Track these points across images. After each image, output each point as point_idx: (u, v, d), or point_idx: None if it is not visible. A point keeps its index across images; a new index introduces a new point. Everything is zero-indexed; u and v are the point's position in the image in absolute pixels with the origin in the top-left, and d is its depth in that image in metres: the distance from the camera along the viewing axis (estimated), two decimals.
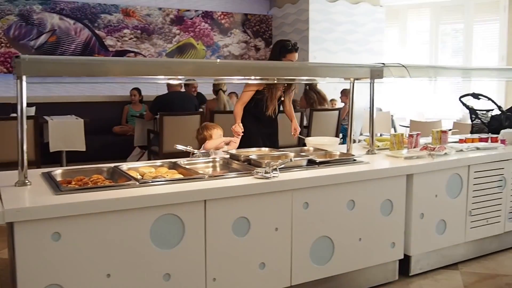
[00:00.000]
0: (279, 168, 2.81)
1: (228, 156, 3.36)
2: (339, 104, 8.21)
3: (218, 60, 3.31)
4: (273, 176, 2.75)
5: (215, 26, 9.63)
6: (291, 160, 2.80)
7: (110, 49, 8.51)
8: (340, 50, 9.37)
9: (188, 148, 3.37)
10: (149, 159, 6.47)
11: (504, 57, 9.27)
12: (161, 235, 2.41)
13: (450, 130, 7.22)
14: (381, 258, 3.23)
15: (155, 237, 2.40)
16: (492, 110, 5.39)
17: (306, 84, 7.82)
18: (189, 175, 2.81)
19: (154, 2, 9.02)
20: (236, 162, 3.20)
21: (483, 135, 4.40)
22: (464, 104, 5.35)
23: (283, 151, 3.49)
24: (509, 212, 3.95)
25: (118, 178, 2.75)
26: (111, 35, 8.51)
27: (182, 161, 3.22)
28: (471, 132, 5.37)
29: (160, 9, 9.00)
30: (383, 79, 3.52)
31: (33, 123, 5.36)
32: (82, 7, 8.29)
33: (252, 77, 3.50)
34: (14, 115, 5.49)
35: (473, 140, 4.19)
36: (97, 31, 8.42)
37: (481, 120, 5.41)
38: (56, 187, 2.44)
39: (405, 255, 3.38)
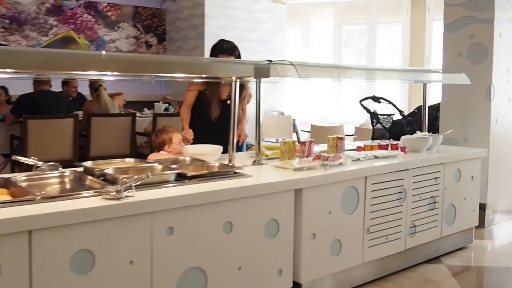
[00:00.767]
0: (135, 186, 2.38)
1: (82, 169, 2.90)
2: None
3: (104, 52, 2.83)
4: (126, 196, 2.33)
5: (100, 19, 9.05)
6: (148, 176, 2.37)
7: None
8: (239, 48, 9.16)
9: (30, 160, 2.85)
10: (12, 171, 5.80)
11: (407, 59, 9.42)
12: None
13: (351, 135, 7.20)
14: None
15: None
16: (393, 114, 5.34)
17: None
18: (19, 196, 2.30)
19: None
20: (90, 177, 2.77)
21: (383, 142, 4.26)
22: (365, 108, 5.26)
23: (150, 163, 3.09)
24: (410, 227, 3.83)
25: None
26: None
27: (19, 176, 2.70)
28: (373, 138, 5.30)
29: None
30: (269, 79, 3.23)
31: None
32: None
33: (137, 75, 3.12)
34: None
35: (372, 148, 4.05)
36: None
37: (382, 125, 5.35)
38: None
39: (294, 282, 3.10)
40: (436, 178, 4.01)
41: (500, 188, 5.22)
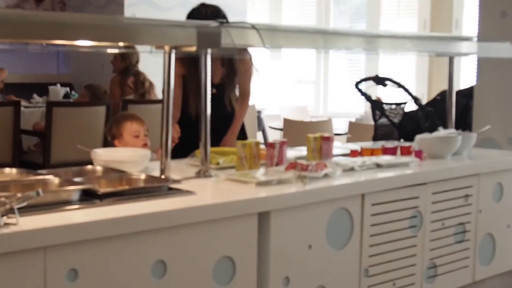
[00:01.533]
0: (18, 209, 2.40)
1: None
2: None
3: None
4: (6, 224, 2.37)
5: None
6: (37, 194, 2.40)
7: None
8: (176, 5, 9.25)
9: None
10: None
11: (426, 22, 9.60)
12: None
13: (342, 134, 7.32)
14: None
15: None
16: (405, 103, 5.41)
17: (125, 59, 7.61)
18: None
19: None
20: None
21: (390, 144, 4.34)
22: (363, 94, 5.33)
23: (41, 175, 3.15)
24: (428, 267, 3.90)
25: None
26: None
27: None
28: (374, 138, 5.37)
29: None
30: (220, 49, 3.34)
31: None
32: None
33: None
34: None
35: (373, 152, 4.13)
36: None
37: (389, 119, 5.42)
38: None
39: None
40: (466, 196, 4.10)
41: None
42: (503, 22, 5.25)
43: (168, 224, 2.75)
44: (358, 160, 3.85)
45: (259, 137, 9.13)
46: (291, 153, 4.08)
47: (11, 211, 2.39)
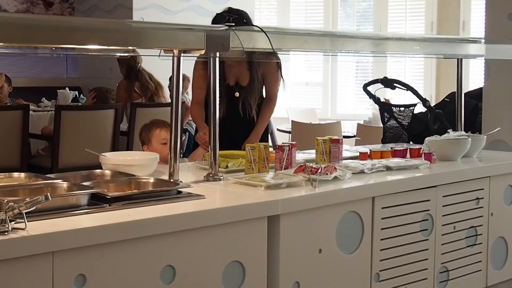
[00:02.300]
0: (27, 213, 2.39)
1: None
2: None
3: None
4: (14, 229, 2.35)
5: None
6: (46, 198, 2.38)
7: None
8: (185, 8, 9.33)
9: None
10: None
11: (433, 25, 9.59)
12: None
13: (351, 137, 7.31)
14: None
15: None
16: (414, 105, 5.40)
17: (125, 63, 7.64)
18: None
19: None
20: None
21: (399, 146, 4.32)
22: (371, 96, 5.34)
23: (50, 179, 3.14)
24: (440, 272, 3.89)
25: None
26: None
27: None
28: (384, 140, 5.37)
29: None
30: (229, 52, 3.36)
31: None
32: None
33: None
34: None
35: (382, 155, 4.13)
36: None
37: (397, 121, 5.41)
38: None
39: None
40: (477, 199, 4.08)
41: None
42: (511, 24, 5.24)
43: (177, 229, 2.74)
44: (368, 163, 3.84)
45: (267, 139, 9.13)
46: (300, 156, 4.08)
47: (19, 215, 2.39)
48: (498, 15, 5.32)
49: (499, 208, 4.24)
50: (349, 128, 8.30)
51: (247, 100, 4.72)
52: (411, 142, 4.87)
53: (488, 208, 4.16)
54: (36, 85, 9.54)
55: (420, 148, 4.21)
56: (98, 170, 3.49)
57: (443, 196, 3.87)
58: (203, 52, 3.27)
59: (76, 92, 8.90)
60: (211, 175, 3.47)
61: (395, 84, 5.12)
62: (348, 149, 4.49)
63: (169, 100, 7.83)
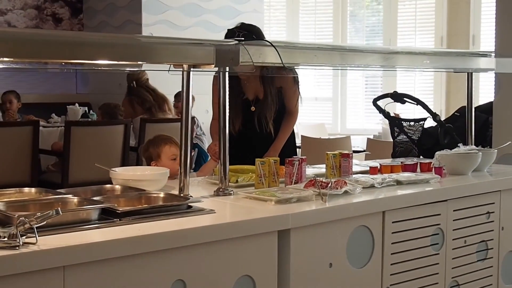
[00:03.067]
0: (38, 228, 2.41)
1: None
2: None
3: None
4: (25, 244, 2.36)
5: None
6: (56, 213, 2.39)
7: None
8: (194, 24, 9.38)
9: None
10: None
11: (443, 39, 9.60)
12: None
13: (361, 152, 7.32)
14: None
15: None
16: (424, 120, 5.41)
17: (130, 79, 7.71)
18: None
19: None
20: None
21: (410, 161, 4.32)
22: (381, 111, 5.35)
23: (61, 194, 3.15)
24: (451, 286, 3.89)
25: None
26: None
27: None
28: (393, 154, 5.38)
29: None
30: (239, 67, 3.39)
31: None
32: None
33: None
34: None
35: (392, 169, 4.12)
36: None
37: (407, 136, 5.42)
38: None
39: None
40: (488, 213, 4.07)
41: None
42: None
43: (188, 243, 2.74)
44: (378, 177, 3.83)
45: None
46: (310, 170, 4.09)
47: (30, 230, 2.40)
48: (509, 29, 5.32)
49: (510, 222, 4.23)
50: (359, 143, 8.31)
51: (263, 114, 4.73)
52: (421, 157, 4.87)
53: (499, 222, 4.15)
54: (46, 101, 9.60)
55: (431, 162, 4.21)
56: (108, 185, 3.50)
57: (454, 210, 3.86)
58: (212, 66, 3.30)
59: (86, 108, 8.95)
60: (221, 189, 3.47)
61: (405, 99, 5.12)
62: (358, 163, 4.48)
63: (174, 114, 7.93)
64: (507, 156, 5.13)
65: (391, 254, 3.55)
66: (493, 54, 5.02)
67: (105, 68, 3.47)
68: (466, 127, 4.80)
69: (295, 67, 3.62)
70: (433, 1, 9.78)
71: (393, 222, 3.55)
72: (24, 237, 2.38)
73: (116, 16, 9.30)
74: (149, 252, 2.63)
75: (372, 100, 5.31)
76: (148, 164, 4.15)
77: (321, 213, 3.24)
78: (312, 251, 3.20)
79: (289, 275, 3.11)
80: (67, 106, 8.70)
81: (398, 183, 3.83)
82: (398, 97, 5.14)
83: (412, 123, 5.39)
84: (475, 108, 5.08)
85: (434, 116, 5.03)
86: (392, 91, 5.26)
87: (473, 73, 4.83)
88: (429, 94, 9.63)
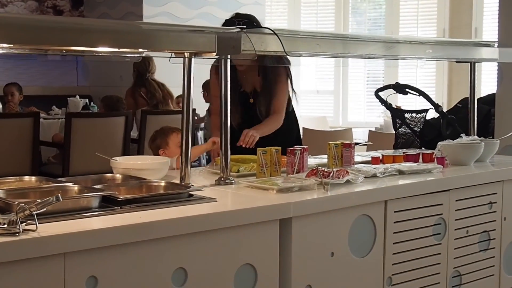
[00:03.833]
0: (39, 215, 2.40)
1: None
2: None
3: None
4: (25, 230, 2.36)
5: None
6: (56, 199, 2.39)
7: None
8: (195, 16, 9.38)
9: None
10: None
11: (445, 31, 9.59)
12: None
13: (363, 144, 7.30)
14: None
15: None
16: (426, 111, 5.40)
17: (136, 69, 7.70)
18: None
19: None
20: None
21: (411, 151, 4.32)
22: (383, 102, 5.34)
23: (60, 182, 3.16)
24: (452, 276, 3.88)
25: None
26: None
27: None
28: (395, 146, 5.37)
29: None
30: (240, 55, 3.34)
31: None
32: None
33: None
34: None
35: (394, 159, 4.12)
36: None
37: (409, 127, 5.41)
38: None
39: None
40: (490, 203, 4.07)
41: None
42: None
43: (189, 231, 2.75)
44: (380, 167, 3.84)
45: None
46: (311, 160, 4.08)
47: (30, 217, 2.40)
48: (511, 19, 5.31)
49: None
50: (360, 135, 8.30)
51: (262, 106, 4.69)
52: (423, 148, 4.86)
53: (501, 212, 4.15)
54: (47, 93, 9.61)
55: (433, 153, 4.21)
56: (109, 174, 3.51)
57: (456, 200, 3.87)
58: (214, 54, 3.29)
59: (87, 100, 8.95)
60: (222, 179, 3.48)
61: (407, 90, 5.11)
62: (360, 154, 4.48)
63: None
64: (510, 147, 5.14)
65: (393, 243, 3.55)
66: (496, 44, 5.00)
67: (106, 55, 3.46)
68: (468, 117, 4.79)
69: (297, 56, 3.58)
70: None
71: (395, 212, 3.55)
72: (24, 224, 2.38)
73: (117, 8, 9.31)
74: (150, 240, 2.63)
75: (373, 92, 5.30)
76: (156, 154, 4.18)
77: (323, 202, 3.24)
78: (314, 240, 3.21)
79: (290, 264, 3.11)
80: (68, 98, 8.71)
81: (400, 172, 3.83)
82: (400, 88, 5.13)
83: (414, 114, 5.38)
84: (477, 99, 5.07)
85: (437, 107, 5.03)
86: (394, 82, 5.25)
87: (476, 64, 4.82)
88: (431, 85, 9.61)
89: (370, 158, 4.12)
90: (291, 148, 3.71)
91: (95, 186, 3.04)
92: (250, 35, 3.29)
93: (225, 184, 3.45)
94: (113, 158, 3.67)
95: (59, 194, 2.44)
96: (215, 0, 9.47)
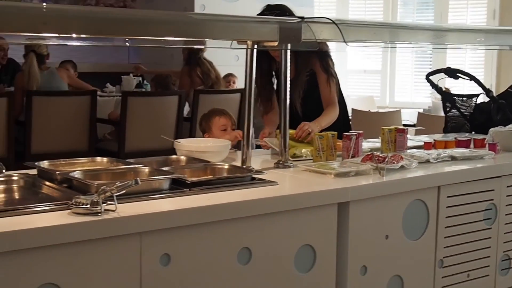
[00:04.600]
0: (116, 196, 2.54)
1: (35, 172, 3.10)
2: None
3: (45, 5, 2.96)
4: (106, 210, 2.50)
5: None
6: (136, 183, 2.53)
7: None
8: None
9: None
10: None
11: (495, 13, 9.51)
12: None
13: (411, 126, 7.34)
14: None
15: None
16: (477, 96, 5.42)
17: (189, 52, 7.75)
18: None
19: None
20: (48, 183, 2.94)
21: (462, 136, 4.36)
22: (434, 86, 5.36)
23: (131, 164, 3.28)
24: (502, 260, 3.93)
25: None
26: None
27: None
28: (445, 130, 5.39)
29: None
30: (301, 44, 3.41)
31: None
32: None
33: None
34: None
35: (446, 144, 4.17)
36: None
37: (460, 111, 5.43)
38: None
39: None
40: None
41: None
42: None
43: (253, 213, 2.85)
44: (433, 153, 3.88)
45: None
46: (365, 144, 4.12)
47: (110, 198, 2.52)
48: None
49: None
50: (407, 116, 8.29)
51: (292, 93, 4.48)
52: (473, 132, 4.90)
53: None
54: (100, 70, 9.71)
55: (484, 139, 4.25)
56: (173, 156, 3.61)
57: (507, 186, 3.90)
58: (276, 43, 3.35)
59: (140, 78, 9.04)
60: (281, 162, 3.56)
61: (458, 74, 5.14)
62: (412, 138, 4.52)
63: None
64: None
65: (445, 227, 3.62)
66: None
67: (169, 45, 3.56)
68: None
69: (357, 45, 3.64)
70: None
71: (448, 197, 3.60)
72: (105, 204, 2.51)
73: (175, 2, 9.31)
74: (218, 221, 2.75)
75: (422, 73, 5.33)
76: (203, 137, 4.27)
77: (378, 187, 3.31)
78: (370, 223, 3.29)
79: (347, 245, 3.20)
80: (122, 76, 8.80)
81: (453, 158, 3.88)
82: (452, 73, 5.14)
83: (464, 98, 5.39)
84: None
85: (488, 92, 5.04)
86: (444, 67, 5.27)
87: None
88: (479, 69, 9.56)
89: (423, 143, 4.18)
90: (347, 133, 3.77)
91: (164, 169, 3.15)
92: (311, 24, 3.38)
93: (283, 167, 3.54)
94: (177, 140, 3.80)
95: (138, 178, 2.58)
96: None
